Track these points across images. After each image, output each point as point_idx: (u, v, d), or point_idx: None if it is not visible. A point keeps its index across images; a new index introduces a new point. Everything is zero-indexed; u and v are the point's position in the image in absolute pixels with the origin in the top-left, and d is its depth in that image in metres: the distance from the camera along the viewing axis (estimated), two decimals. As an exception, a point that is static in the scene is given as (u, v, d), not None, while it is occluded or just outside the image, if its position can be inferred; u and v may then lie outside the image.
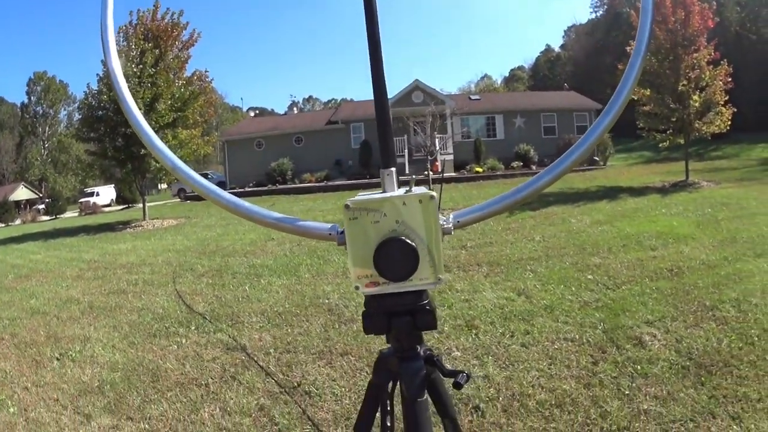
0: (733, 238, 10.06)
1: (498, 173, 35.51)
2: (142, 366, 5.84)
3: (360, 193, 1.33)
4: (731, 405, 4.13)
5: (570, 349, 5.40)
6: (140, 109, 17.35)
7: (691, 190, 19.70)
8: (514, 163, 37.90)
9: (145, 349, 6.41)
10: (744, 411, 4.03)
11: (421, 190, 1.32)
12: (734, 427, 3.83)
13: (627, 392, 4.44)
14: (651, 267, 8.32)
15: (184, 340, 6.56)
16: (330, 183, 36.02)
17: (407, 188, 1.34)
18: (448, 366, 1.44)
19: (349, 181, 35.35)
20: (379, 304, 1.34)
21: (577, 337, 5.70)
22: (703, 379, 4.58)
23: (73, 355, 6.46)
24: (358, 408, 4.19)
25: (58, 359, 6.41)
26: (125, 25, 21.74)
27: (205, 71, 23.05)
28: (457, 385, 1.35)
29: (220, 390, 5.08)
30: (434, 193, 1.27)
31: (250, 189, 37.12)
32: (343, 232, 1.35)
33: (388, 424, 1.51)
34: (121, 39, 21.52)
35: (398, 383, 1.47)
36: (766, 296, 6.61)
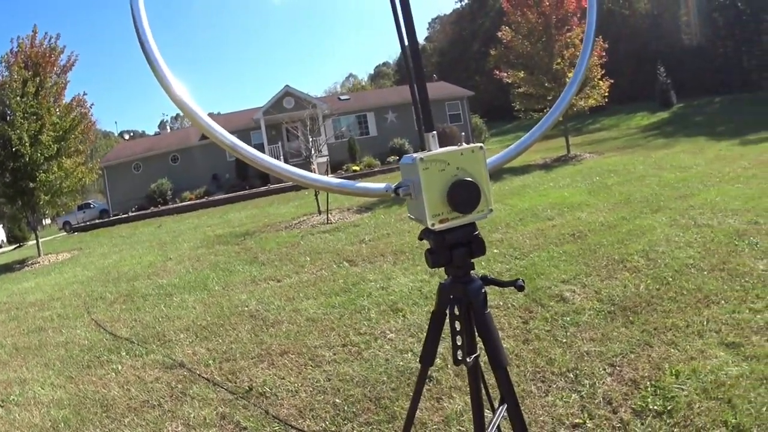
0: (627, 200, 10.80)
1: (375, 170, 35.90)
2: (88, 398, 5.66)
3: (423, 152, 1.68)
4: (663, 334, 4.64)
5: (498, 315, 5.72)
6: (26, 141, 16.61)
7: (574, 162, 20.56)
8: (391, 158, 38.14)
9: (84, 381, 6.20)
10: (676, 337, 4.56)
11: (472, 144, 1.67)
12: (672, 350, 4.35)
13: (564, 340, 4.85)
14: (552, 234, 8.81)
15: (119, 367, 6.41)
16: (210, 198, 35.44)
17: (460, 143, 1.68)
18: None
19: (228, 195, 34.84)
20: (444, 240, 1.69)
21: (501, 303, 6.03)
22: (631, 318, 5.08)
23: (15, 399, 6.14)
24: (318, 399, 4.40)
25: (1, 406, 6.06)
26: (6, 54, 20.35)
27: (84, 94, 21.84)
28: (520, 288, 1.78)
29: (175, 407, 5.03)
30: (482, 145, 1.64)
31: (133, 214, 35.92)
32: (396, 189, 1.72)
33: (458, 343, 1.82)
34: (3, 70, 20.28)
35: (455, 307, 1.81)
36: (671, 244, 7.29)
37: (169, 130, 64.35)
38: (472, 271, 1.80)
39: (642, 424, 3.46)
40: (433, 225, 1.63)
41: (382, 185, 1.80)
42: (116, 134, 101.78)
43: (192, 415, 4.78)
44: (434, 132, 1.70)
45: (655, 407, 3.59)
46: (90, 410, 5.35)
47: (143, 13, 1.76)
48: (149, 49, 1.70)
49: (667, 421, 3.45)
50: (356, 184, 1.82)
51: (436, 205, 1.61)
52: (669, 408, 3.55)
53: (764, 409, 3.41)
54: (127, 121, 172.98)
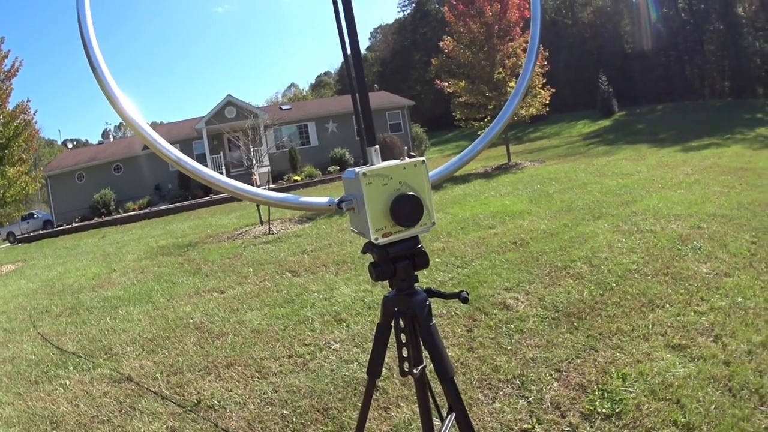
0: (569, 207, 10.95)
1: (316, 179, 35.94)
2: (37, 415, 5.53)
3: (365, 166, 1.71)
4: (609, 339, 4.75)
5: (442, 324, 5.75)
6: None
7: (515, 171, 20.61)
8: (331, 168, 38.32)
9: (32, 397, 6.06)
10: (622, 341, 4.68)
11: (415, 158, 1.71)
12: (618, 354, 4.46)
13: (509, 347, 4.90)
14: (494, 243, 8.85)
15: (67, 382, 6.27)
16: (153, 209, 35.01)
17: (402, 158, 1.71)
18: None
19: (171, 205, 34.54)
20: (387, 253, 1.72)
21: (444, 312, 6.05)
22: (575, 324, 5.17)
23: (-36, 416, 6.02)
24: (266, 411, 4.37)
25: (-50, 426, 5.95)
26: None
27: (27, 101, 21.28)
28: (465, 300, 1.80)
29: (125, 422, 4.94)
30: (425, 158, 1.68)
31: (77, 224, 35.09)
32: (339, 203, 1.74)
33: (405, 355, 1.85)
34: None
35: (400, 319, 1.84)
36: (614, 250, 7.44)
37: (112, 139, 63.52)
38: (416, 284, 1.83)
39: (591, 426, 3.54)
40: (376, 239, 1.66)
41: (325, 199, 1.82)
42: (59, 143, 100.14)
43: (142, 430, 4.72)
44: (377, 146, 1.73)
45: (604, 410, 3.67)
46: (39, 427, 5.24)
47: (90, 24, 1.74)
48: (97, 65, 1.69)
49: (616, 423, 3.54)
50: (300, 199, 1.84)
51: (379, 219, 1.64)
52: (617, 410, 3.65)
53: (713, 407, 3.52)
54: (71, 129, 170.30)
